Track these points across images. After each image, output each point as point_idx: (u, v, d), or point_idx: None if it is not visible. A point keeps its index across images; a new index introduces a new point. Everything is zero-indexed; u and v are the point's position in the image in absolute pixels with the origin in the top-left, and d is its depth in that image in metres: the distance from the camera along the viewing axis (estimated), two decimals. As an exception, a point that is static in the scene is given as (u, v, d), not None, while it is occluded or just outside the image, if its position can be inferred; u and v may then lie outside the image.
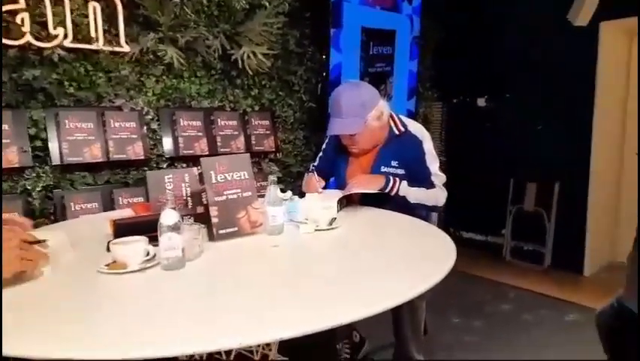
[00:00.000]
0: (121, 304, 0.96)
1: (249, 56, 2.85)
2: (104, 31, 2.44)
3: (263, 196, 1.50)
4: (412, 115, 3.45)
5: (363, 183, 1.82)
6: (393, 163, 1.92)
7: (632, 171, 3.69)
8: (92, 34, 2.39)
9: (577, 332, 2.56)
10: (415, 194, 1.83)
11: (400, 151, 1.92)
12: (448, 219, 4.14)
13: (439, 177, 1.90)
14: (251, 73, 2.98)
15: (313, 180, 1.95)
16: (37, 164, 2.31)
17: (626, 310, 1.15)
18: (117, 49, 2.49)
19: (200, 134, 2.82)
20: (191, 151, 2.77)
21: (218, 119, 2.90)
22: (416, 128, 1.97)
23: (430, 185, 1.87)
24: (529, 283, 3.28)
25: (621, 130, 3.69)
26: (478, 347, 2.40)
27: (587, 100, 3.36)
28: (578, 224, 3.48)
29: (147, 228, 1.20)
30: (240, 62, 2.86)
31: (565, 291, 3.13)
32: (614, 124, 3.60)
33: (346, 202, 1.86)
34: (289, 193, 1.71)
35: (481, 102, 4.08)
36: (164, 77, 2.73)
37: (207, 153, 2.81)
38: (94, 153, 2.43)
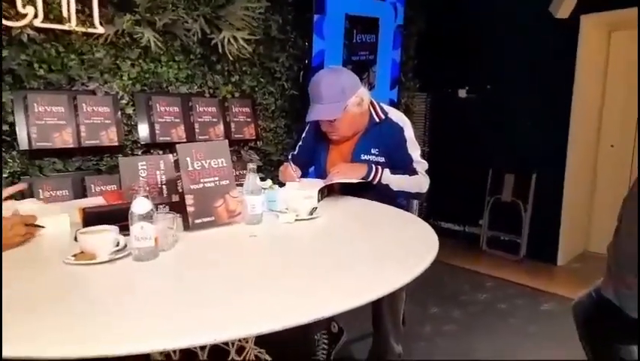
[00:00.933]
0: (88, 298, 0.91)
1: (229, 41, 2.78)
2: (77, 11, 2.32)
3: (242, 185, 1.46)
4: (394, 105, 3.43)
5: (345, 172, 1.79)
6: (374, 151, 1.90)
7: (606, 163, 3.77)
8: (64, 13, 2.28)
9: (552, 321, 2.60)
10: (397, 182, 1.82)
11: (381, 138, 1.90)
12: (427, 209, 4.17)
13: (420, 163, 1.89)
14: (231, 58, 2.90)
15: (289, 169, 1.92)
16: (3, 149, 2.21)
17: (604, 301, 1.16)
18: (91, 30, 2.39)
19: (177, 120, 2.74)
20: (167, 138, 2.69)
21: (197, 106, 2.82)
22: (397, 115, 1.96)
23: (412, 172, 1.86)
24: (505, 273, 3.33)
25: (597, 123, 3.76)
26: (456, 336, 2.43)
27: (566, 93, 3.40)
28: (553, 215, 3.54)
29: (118, 217, 1.15)
30: (220, 46, 2.78)
31: (539, 280, 3.19)
32: (590, 117, 3.65)
33: (327, 191, 1.83)
34: (269, 182, 1.67)
35: (462, 93, 4.09)
36: (140, 61, 2.63)
37: (185, 140, 2.73)
38: (64, 139, 2.33)
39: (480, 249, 3.88)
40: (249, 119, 3.09)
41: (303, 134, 2.15)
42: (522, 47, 3.59)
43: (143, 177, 1.45)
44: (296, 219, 1.46)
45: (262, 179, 1.59)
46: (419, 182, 1.87)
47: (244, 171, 2.91)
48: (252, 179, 1.43)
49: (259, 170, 2.16)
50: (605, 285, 1.16)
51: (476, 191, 3.92)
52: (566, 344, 2.11)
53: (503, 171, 3.76)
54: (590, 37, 3.38)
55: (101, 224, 1.15)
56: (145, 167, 1.47)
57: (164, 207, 1.44)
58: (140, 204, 1.05)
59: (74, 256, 1.07)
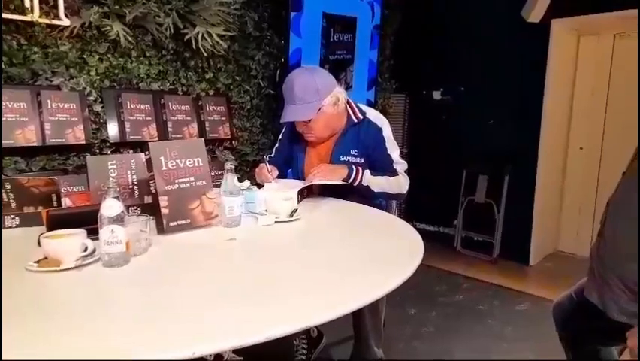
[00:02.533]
0: (52, 308, 0.83)
1: (203, 37, 2.69)
2: (40, 2, 2.19)
3: (218, 186, 1.40)
4: (371, 106, 3.41)
5: (325, 174, 1.75)
6: (353, 152, 1.87)
7: (575, 165, 3.87)
8: (27, 3, 2.15)
9: (528, 321, 2.64)
10: (378, 183, 1.79)
11: (359, 139, 1.87)
12: (403, 209, 4.18)
13: (400, 164, 1.87)
14: (205, 55, 2.82)
15: (264, 170, 1.87)
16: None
17: (586, 303, 1.16)
18: (55, 22, 2.26)
19: (149, 118, 2.64)
20: (139, 137, 2.58)
21: (170, 103, 2.72)
22: (375, 115, 1.93)
23: (392, 173, 1.83)
24: (480, 273, 3.37)
25: (567, 125, 3.85)
26: (435, 338, 2.42)
27: (537, 95, 3.47)
28: (525, 215, 3.60)
29: (86, 219, 1.07)
30: (193, 42, 2.69)
31: (513, 280, 3.24)
32: (560, 120, 3.74)
33: (307, 193, 1.79)
34: (247, 183, 1.61)
35: (437, 95, 4.12)
36: (109, 56, 2.51)
37: (157, 139, 2.63)
38: (27, 137, 2.20)
39: (454, 249, 3.92)
40: (223, 118, 3.01)
41: (280, 137, 2.10)
42: (495, 50, 3.65)
43: (113, 177, 1.37)
44: (276, 222, 1.41)
45: (239, 180, 1.53)
46: (399, 183, 1.85)
47: (219, 172, 2.83)
48: (230, 179, 1.37)
49: (234, 170, 2.09)
50: (589, 288, 1.16)
51: (451, 192, 3.96)
52: (542, 344, 2.14)
53: (477, 173, 3.80)
54: (561, 41, 3.46)
55: (66, 227, 1.07)
56: (115, 166, 1.39)
57: (136, 209, 1.36)
58: (110, 206, 0.98)
59: (37, 262, 0.99)
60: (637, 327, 0.93)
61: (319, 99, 1.77)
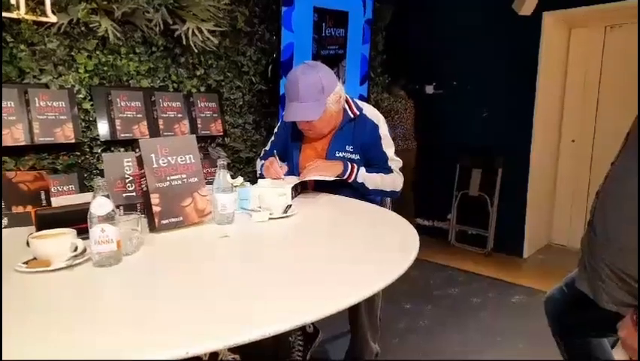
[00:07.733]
0: (43, 309, 0.81)
1: (193, 33, 2.66)
2: (27, -2, 2.16)
3: (211, 183, 1.38)
4: (364, 101, 3.40)
5: (321, 170, 1.73)
6: (348, 148, 1.85)
7: (567, 158, 3.88)
8: (12, 0, 2.11)
9: (523, 312, 2.65)
10: (372, 180, 1.78)
11: (356, 135, 1.85)
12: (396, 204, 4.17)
13: (395, 161, 1.86)
14: (196, 51, 2.78)
15: (275, 164, 1.83)
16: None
17: (577, 294, 1.16)
18: (42, 19, 2.23)
19: (139, 116, 2.61)
20: (129, 134, 2.56)
21: (160, 101, 2.70)
22: (371, 111, 1.91)
23: (387, 170, 1.82)
24: (474, 267, 3.38)
25: (559, 118, 3.86)
26: (430, 331, 2.43)
27: (530, 89, 3.48)
28: (518, 208, 3.61)
29: (76, 219, 1.05)
30: (184, 38, 2.66)
31: (507, 273, 3.25)
32: (552, 113, 3.75)
33: (301, 188, 1.77)
34: (240, 179, 1.59)
35: (429, 89, 4.12)
36: (97, 53, 2.48)
37: (148, 136, 2.61)
38: (15, 136, 2.16)
39: (449, 243, 3.93)
40: (215, 115, 2.99)
41: (276, 130, 2.08)
42: (487, 43, 3.64)
43: (128, 174, 1.37)
44: (270, 218, 1.39)
45: (232, 176, 1.51)
46: (394, 181, 1.83)
47: (212, 169, 2.81)
48: (223, 176, 1.36)
49: (227, 167, 2.07)
50: (579, 278, 1.16)
51: (444, 186, 3.96)
52: (536, 336, 2.15)
53: (470, 167, 3.81)
54: (552, 33, 3.47)
55: (56, 227, 1.05)
56: (130, 163, 1.39)
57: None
58: (100, 205, 0.96)
59: (26, 263, 0.97)
60: (628, 317, 0.93)
61: (324, 97, 1.73)
